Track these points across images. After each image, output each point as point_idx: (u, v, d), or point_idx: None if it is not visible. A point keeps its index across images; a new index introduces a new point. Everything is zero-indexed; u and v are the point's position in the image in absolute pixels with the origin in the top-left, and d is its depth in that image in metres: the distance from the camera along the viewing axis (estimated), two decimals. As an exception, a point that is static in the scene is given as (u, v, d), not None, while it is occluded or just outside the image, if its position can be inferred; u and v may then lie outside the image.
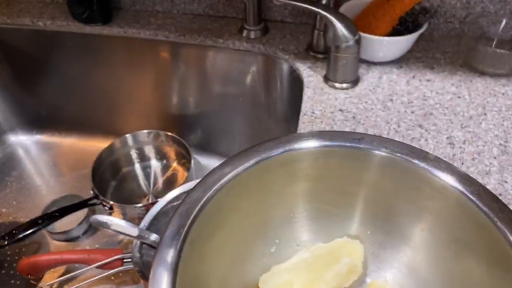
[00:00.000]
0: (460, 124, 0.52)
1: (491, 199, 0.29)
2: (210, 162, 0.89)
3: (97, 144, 0.93)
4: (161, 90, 0.84)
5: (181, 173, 0.86)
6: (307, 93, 0.59)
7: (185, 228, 0.28)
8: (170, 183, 0.84)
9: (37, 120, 0.93)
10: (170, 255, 0.26)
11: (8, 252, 0.75)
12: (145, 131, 0.81)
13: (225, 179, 0.30)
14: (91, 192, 0.75)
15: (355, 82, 0.59)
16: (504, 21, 0.60)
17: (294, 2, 0.54)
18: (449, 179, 0.30)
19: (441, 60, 0.63)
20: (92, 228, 0.79)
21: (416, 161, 0.31)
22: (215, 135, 0.87)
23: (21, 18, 0.79)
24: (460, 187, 0.29)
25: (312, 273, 0.34)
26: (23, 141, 0.95)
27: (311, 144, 0.33)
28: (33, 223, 0.70)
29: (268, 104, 0.76)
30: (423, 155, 0.32)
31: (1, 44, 0.81)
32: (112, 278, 0.71)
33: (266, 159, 0.33)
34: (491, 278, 0.28)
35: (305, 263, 0.36)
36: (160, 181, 0.86)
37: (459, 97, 0.56)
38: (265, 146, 0.33)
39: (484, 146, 0.49)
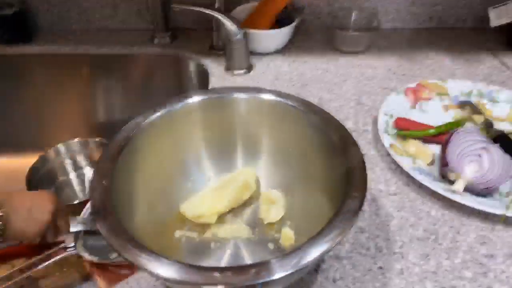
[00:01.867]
0: (327, 89, 0.69)
1: (296, 99, 0.45)
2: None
3: (28, 161, 0.97)
4: (86, 101, 0.91)
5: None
6: (212, 80, 0.72)
7: (115, 160, 0.38)
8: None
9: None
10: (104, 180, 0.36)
11: None
12: (75, 139, 0.87)
13: (140, 126, 0.42)
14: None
15: (248, 69, 0.74)
16: (353, 13, 0.79)
17: (190, 7, 0.67)
18: (273, 97, 0.45)
19: (314, 47, 0.80)
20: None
21: (261, 95, 0.46)
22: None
23: None
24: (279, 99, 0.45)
25: (218, 192, 0.47)
26: None
27: (199, 98, 0.46)
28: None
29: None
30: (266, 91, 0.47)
31: None
32: (57, 274, 0.75)
33: (172, 110, 0.45)
34: (322, 163, 0.43)
35: (212, 189, 0.48)
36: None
37: (327, 71, 0.73)
38: (170, 100, 0.45)
39: (344, 101, 0.66)
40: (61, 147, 0.87)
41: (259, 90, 0.47)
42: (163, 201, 0.46)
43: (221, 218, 0.46)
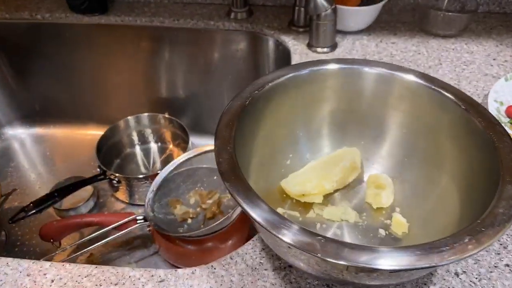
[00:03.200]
0: (423, 71, 0.64)
1: (450, 87, 0.39)
2: (201, 142, 0.96)
3: (92, 133, 0.98)
4: (154, 75, 0.90)
5: (177, 153, 0.93)
6: (294, 58, 0.69)
7: (234, 122, 0.36)
8: (167, 163, 0.90)
9: (33, 113, 0.97)
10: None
11: (19, 232, 0.79)
12: (145, 114, 0.87)
13: (266, 87, 0.39)
14: (98, 170, 0.80)
15: (333, 47, 0.70)
16: (448, -8, 0.73)
17: (280, -21, 0.64)
18: (416, 79, 0.40)
19: (401, 28, 0.75)
20: (98, 206, 0.84)
21: (396, 72, 0.41)
22: (206, 114, 0.95)
23: (19, 13, 0.84)
24: (424, 83, 0.40)
25: (323, 171, 0.43)
26: (20, 134, 0.99)
27: (332, 66, 0.42)
28: (44, 198, 0.74)
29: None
30: (399, 68, 0.42)
31: (1, 39, 0.85)
32: (124, 245, 0.76)
33: (297, 75, 0.42)
34: (459, 150, 0.38)
35: (316, 167, 0.45)
36: (158, 161, 0.92)
37: (419, 53, 0.68)
38: (296, 66, 0.42)
39: (442, 85, 0.61)
40: (130, 119, 0.87)
41: (400, 68, 0.42)
42: (264, 174, 0.43)
43: (325, 199, 0.44)
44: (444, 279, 0.37)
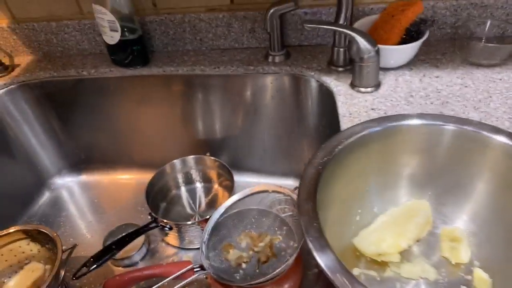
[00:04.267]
0: (473, 106, 0.63)
1: None
2: (241, 179, 0.97)
3: (136, 177, 1.01)
4: (200, 121, 0.92)
5: (221, 193, 0.94)
6: (339, 99, 0.69)
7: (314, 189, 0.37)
8: (212, 203, 0.92)
9: (80, 161, 1.01)
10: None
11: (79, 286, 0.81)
12: (191, 156, 0.89)
13: (338, 148, 0.40)
14: (149, 217, 0.82)
15: (377, 86, 0.70)
16: (489, 22, 0.73)
17: (322, 26, 0.65)
18: (500, 138, 0.40)
19: (442, 59, 0.75)
20: (150, 252, 0.86)
21: (478, 130, 0.42)
22: (245, 153, 0.96)
23: (66, 71, 0.88)
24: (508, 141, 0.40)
25: (397, 227, 0.44)
26: (68, 183, 1.02)
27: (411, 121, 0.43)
28: (104, 251, 0.76)
29: (298, 119, 0.86)
30: (478, 124, 0.42)
31: (50, 95, 0.90)
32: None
33: (373, 132, 0.43)
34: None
35: (388, 223, 0.45)
36: (203, 202, 0.94)
37: (465, 86, 0.68)
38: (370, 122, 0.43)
39: (497, 120, 0.60)
40: (177, 162, 0.90)
41: (491, 128, 0.42)
42: (337, 234, 0.44)
43: (401, 255, 0.44)
44: None
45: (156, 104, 0.91)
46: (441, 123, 0.42)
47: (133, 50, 0.83)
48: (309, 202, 0.36)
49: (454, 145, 0.42)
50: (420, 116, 0.42)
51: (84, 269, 0.71)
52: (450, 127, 0.42)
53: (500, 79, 0.69)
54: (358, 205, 0.46)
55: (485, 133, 0.41)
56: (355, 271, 0.43)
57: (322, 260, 0.31)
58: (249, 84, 0.84)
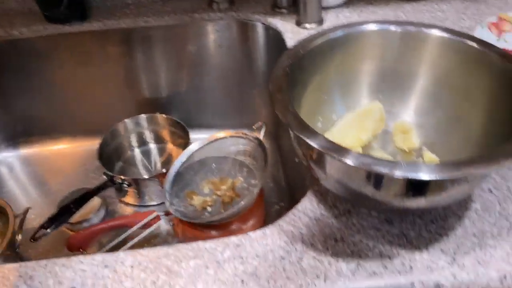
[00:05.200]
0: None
1: (472, 37, 0.45)
2: (197, 136, 0.97)
3: (83, 145, 0.97)
4: (140, 77, 0.90)
5: (175, 151, 0.93)
6: (287, 36, 0.72)
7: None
8: (167, 163, 0.91)
9: (16, 135, 0.94)
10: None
11: (32, 255, 0.76)
12: (143, 115, 0.87)
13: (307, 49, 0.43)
14: (104, 176, 0.79)
15: (320, 21, 0.75)
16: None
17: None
18: (438, 32, 0.46)
19: (375, -2, 0.82)
20: (109, 214, 0.83)
21: (413, 28, 0.47)
22: (198, 109, 0.96)
23: (-7, 31, 0.81)
24: (447, 35, 0.45)
25: (357, 124, 0.48)
26: (6, 159, 0.95)
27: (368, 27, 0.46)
28: (61, 212, 0.72)
29: (247, 67, 0.87)
30: (420, 24, 0.47)
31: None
32: (147, 245, 0.76)
33: (334, 38, 0.45)
34: (478, 86, 0.44)
35: (348, 124, 0.49)
36: (159, 162, 0.92)
37: (398, 17, 0.75)
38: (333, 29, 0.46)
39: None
40: (128, 122, 0.87)
41: (428, 25, 0.46)
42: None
43: (363, 150, 0.48)
44: (482, 196, 0.43)
45: (98, 64, 0.87)
46: (391, 26, 0.46)
47: (69, 4, 0.78)
48: (282, 94, 0.39)
49: (402, 47, 0.47)
50: (375, 21, 0.46)
51: (42, 231, 0.68)
52: (398, 29, 0.46)
53: (427, 10, 0.76)
54: (319, 112, 0.49)
55: (423, 29, 0.46)
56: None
57: (306, 136, 0.34)
58: (195, 33, 0.83)
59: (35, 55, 0.84)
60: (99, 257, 0.40)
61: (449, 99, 0.46)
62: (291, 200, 0.77)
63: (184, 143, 0.85)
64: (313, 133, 0.34)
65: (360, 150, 0.47)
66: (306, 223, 0.42)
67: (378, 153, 0.47)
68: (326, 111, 0.50)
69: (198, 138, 0.94)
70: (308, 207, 0.43)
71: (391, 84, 0.50)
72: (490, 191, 0.43)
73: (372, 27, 0.46)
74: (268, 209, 0.80)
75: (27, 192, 0.90)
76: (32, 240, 0.66)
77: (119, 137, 0.87)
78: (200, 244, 0.41)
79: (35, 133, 0.95)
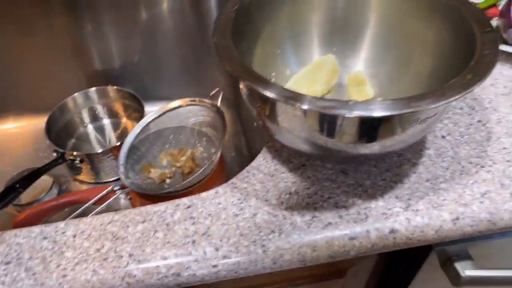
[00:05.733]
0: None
1: None
2: (154, 108, 0.93)
3: (30, 123, 0.90)
4: (87, 48, 0.84)
5: (131, 125, 0.89)
6: None
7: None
8: (123, 137, 0.86)
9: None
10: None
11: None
12: (93, 88, 0.82)
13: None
14: (54, 154, 0.75)
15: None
16: None
17: None
18: None
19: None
20: (62, 193, 0.79)
21: None
22: (154, 79, 0.91)
23: None
24: None
25: (310, 76, 0.46)
26: None
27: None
28: (6, 192, 0.67)
29: (202, 33, 0.83)
30: None
31: None
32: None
33: None
34: (426, 26, 0.42)
35: (302, 77, 0.47)
36: (113, 137, 0.88)
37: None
38: None
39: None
40: (78, 96, 0.82)
41: None
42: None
43: (317, 102, 0.46)
44: (435, 143, 0.43)
45: (39, 33, 0.80)
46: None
47: (-2, -35, 0.71)
48: (226, 40, 0.36)
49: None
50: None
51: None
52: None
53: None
54: (272, 67, 0.47)
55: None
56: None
57: (248, 79, 0.31)
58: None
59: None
60: (36, 229, 0.37)
61: (400, 45, 0.45)
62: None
63: (140, 116, 0.81)
64: (262, 80, 0.32)
65: (314, 103, 0.45)
66: (260, 179, 0.40)
67: (332, 106, 0.45)
68: (280, 65, 0.48)
69: (155, 110, 0.91)
70: (263, 163, 0.42)
71: (343, 35, 0.48)
72: (443, 137, 0.43)
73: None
74: (230, 177, 0.78)
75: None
76: (-26, 223, 0.61)
77: (68, 113, 0.82)
78: (149, 207, 0.38)
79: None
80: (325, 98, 0.30)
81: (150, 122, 0.72)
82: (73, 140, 0.84)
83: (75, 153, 0.72)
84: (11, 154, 0.86)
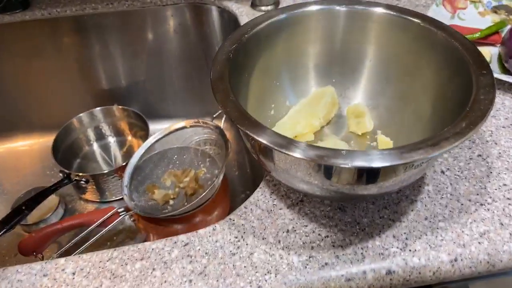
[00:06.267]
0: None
1: (417, 14, 0.43)
2: (158, 127, 0.94)
3: (38, 141, 0.92)
4: (93, 69, 0.86)
5: (136, 143, 0.90)
6: (243, 20, 0.70)
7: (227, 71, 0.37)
8: (128, 156, 0.87)
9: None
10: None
11: (-13, 258, 0.73)
12: (98, 108, 0.83)
13: (249, 34, 0.40)
14: (60, 174, 0.76)
15: (276, 3, 0.72)
16: None
17: None
18: (383, 10, 0.44)
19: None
20: (68, 213, 0.80)
21: (358, 7, 0.45)
22: (158, 98, 0.92)
23: None
24: (392, 12, 0.43)
25: (309, 110, 0.46)
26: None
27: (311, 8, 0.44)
28: (12, 215, 0.68)
29: (205, 53, 0.84)
30: (364, 3, 0.45)
31: None
32: (108, 243, 0.74)
33: (278, 20, 0.43)
34: (426, 65, 0.42)
35: (300, 110, 0.47)
36: (119, 156, 0.89)
37: None
38: (276, 11, 0.43)
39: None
40: (83, 116, 0.83)
41: (373, 3, 0.45)
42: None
43: (316, 137, 0.46)
44: (434, 178, 0.43)
45: (47, 55, 0.82)
46: (335, 5, 0.44)
47: (6, -8, 0.72)
48: (222, 82, 0.36)
49: (347, 26, 0.45)
50: (317, 2, 0.44)
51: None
52: (343, 8, 0.44)
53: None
54: (271, 99, 0.47)
55: (368, 8, 0.44)
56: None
57: (245, 127, 0.32)
58: (149, 19, 0.79)
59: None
60: (37, 266, 0.38)
61: (399, 78, 0.45)
62: (256, 188, 0.76)
63: (145, 134, 0.82)
64: (256, 125, 0.32)
65: (312, 137, 0.45)
66: (258, 215, 0.40)
67: (330, 139, 0.46)
68: (279, 97, 0.48)
69: (160, 128, 0.92)
70: (261, 199, 0.42)
71: (341, 67, 0.48)
72: (443, 172, 0.43)
73: (315, 7, 0.44)
74: (234, 198, 0.78)
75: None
76: (-20, 247, 0.63)
77: (74, 133, 0.83)
78: (147, 244, 0.39)
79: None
80: (318, 146, 0.30)
81: (154, 142, 0.72)
82: (78, 160, 0.85)
83: (80, 174, 0.73)
84: (18, 173, 0.87)
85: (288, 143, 0.30)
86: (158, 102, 0.92)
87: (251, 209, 0.41)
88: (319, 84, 0.49)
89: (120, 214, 0.67)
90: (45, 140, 0.90)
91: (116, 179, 0.77)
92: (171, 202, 0.70)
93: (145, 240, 0.72)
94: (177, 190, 0.71)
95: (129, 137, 0.90)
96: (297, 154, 0.29)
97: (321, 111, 0.46)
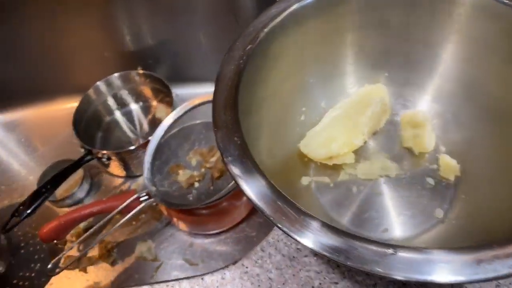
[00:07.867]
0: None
1: None
2: (184, 91, 0.86)
3: (65, 106, 0.88)
4: (114, 29, 0.78)
5: (163, 109, 0.83)
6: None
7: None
8: (155, 122, 0.81)
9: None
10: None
11: (19, 233, 0.73)
12: (116, 74, 0.76)
13: (261, 34, 0.29)
14: (82, 150, 0.72)
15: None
16: None
17: None
18: None
19: None
20: (95, 187, 0.77)
21: None
22: (182, 61, 0.84)
23: None
24: None
25: (349, 122, 0.35)
26: (-15, 126, 0.89)
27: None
28: (35, 195, 0.67)
29: (234, 10, 0.72)
30: None
31: None
32: (134, 223, 0.70)
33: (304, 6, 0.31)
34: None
35: (338, 118, 0.36)
36: (145, 123, 0.83)
37: None
38: None
39: None
40: (101, 84, 0.77)
41: None
42: (278, 141, 0.35)
43: (356, 154, 0.36)
44: None
45: (74, 14, 0.74)
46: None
47: None
48: (228, 110, 0.27)
49: (411, 7, 0.32)
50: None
51: (15, 219, 0.63)
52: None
53: None
54: (301, 102, 0.37)
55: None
56: (304, 181, 0.36)
57: (249, 187, 0.23)
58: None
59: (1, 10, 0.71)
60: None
61: (483, 83, 0.32)
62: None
63: (170, 100, 0.75)
64: (257, 180, 0.23)
65: (353, 158, 0.35)
66: (277, 262, 0.33)
67: (376, 159, 0.35)
68: (311, 97, 0.38)
69: (187, 93, 0.85)
70: (282, 239, 0.34)
71: (399, 57, 0.36)
72: None
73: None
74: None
75: (12, 160, 0.85)
76: (3, 232, 0.62)
77: (93, 103, 0.78)
78: (146, 290, 0.33)
79: (13, 97, 0.87)
80: (347, 231, 0.20)
81: (178, 117, 0.65)
82: (100, 133, 0.81)
83: (103, 152, 0.69)
84: (44, 139, 0.85)
85: (304, 219, 0.21)
86: (185, 65, 0.84)
87: (269, 253, 0.33)
88: (365, 79, 0.38)
89: (142, 200, 0.62)
90: (73, 105, 0.86)
91: (141, 153, 0.72)
92: (196, 184, 0.65)
93: (169, 223, 0.69)
94: (203, 171, 0.65)
95: (153, 102, 0.84)
96: (310, 243, 0.20)
97: (366, 125, 0.35)
